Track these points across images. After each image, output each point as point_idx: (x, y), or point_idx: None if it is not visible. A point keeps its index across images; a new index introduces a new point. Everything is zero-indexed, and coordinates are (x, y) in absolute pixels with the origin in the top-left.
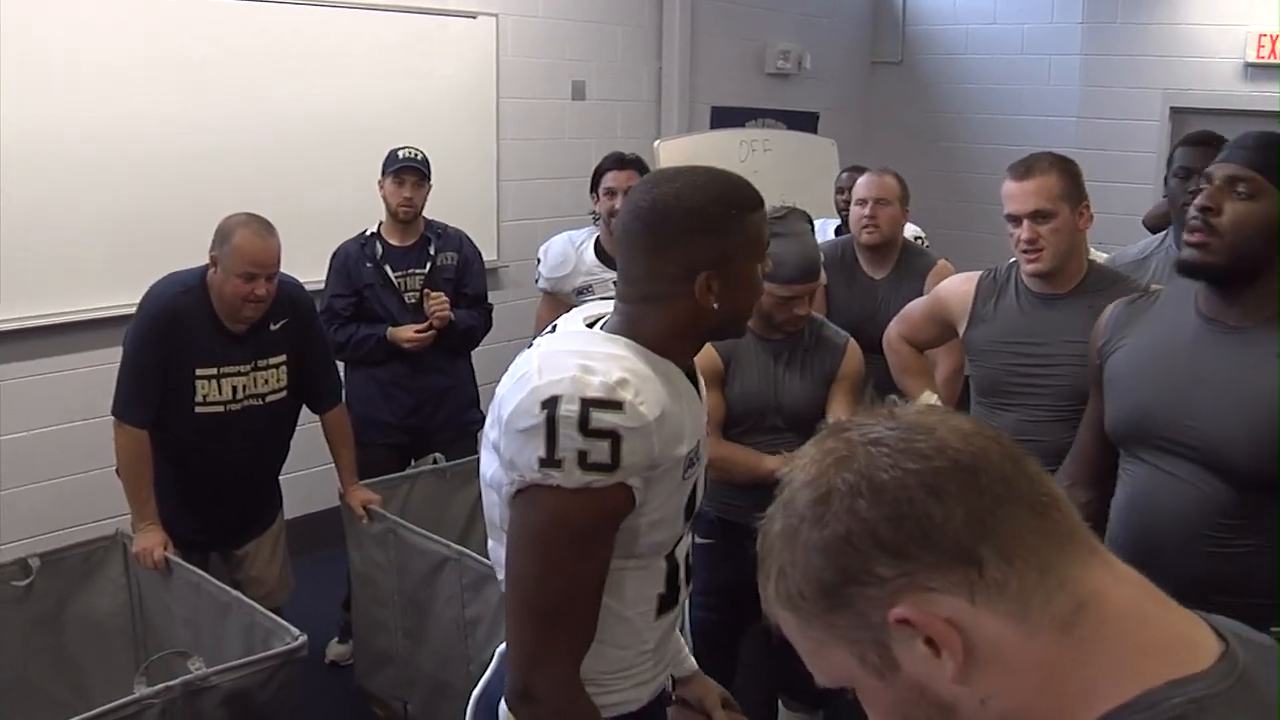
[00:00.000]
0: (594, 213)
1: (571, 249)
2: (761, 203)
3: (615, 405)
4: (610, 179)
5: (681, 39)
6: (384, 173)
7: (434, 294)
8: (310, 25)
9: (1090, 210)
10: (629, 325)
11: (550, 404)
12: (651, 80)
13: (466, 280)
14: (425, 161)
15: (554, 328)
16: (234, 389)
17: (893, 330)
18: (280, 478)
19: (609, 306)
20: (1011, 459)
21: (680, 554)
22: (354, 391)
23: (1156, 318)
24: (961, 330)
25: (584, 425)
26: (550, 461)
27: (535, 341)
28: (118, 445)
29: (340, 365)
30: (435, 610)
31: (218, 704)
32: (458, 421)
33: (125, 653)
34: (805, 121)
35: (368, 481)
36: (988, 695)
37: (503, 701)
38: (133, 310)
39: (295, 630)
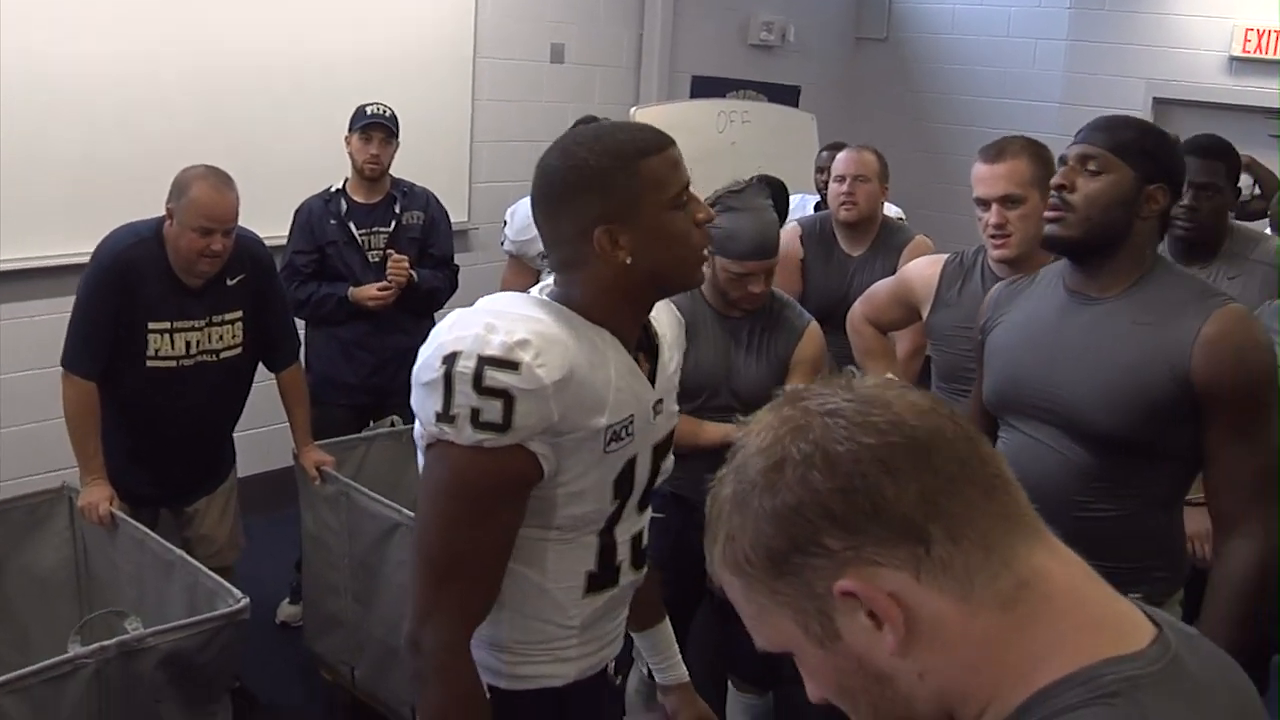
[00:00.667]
0: None
1: None
2: (660, 146)
3: (511, 365)
4: None
5: (664, 6)
6: (351, 128)
7: (396, 257)
8: None
9: None
10: (562, 293)
11: (450, 359)
12: (632, 46)
13: (432, 240)
14: (393, 119)
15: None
16: (187, 344)
17: (856, 311)
18: (235, 435)
19: None
20: (965, 438)
21: (623, 534)
22: (315, 350)
23: (1031, 295)
24: (925, 314)
25: (478, 382)
26: (445, 416)
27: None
28: (65, 397)
29: (300, 324)
30: (385, 575)
31: (155, 665)
32: None
33: (69, 608)
34: (787, 95)
35: (324, 442)
36: (926, 670)
37: None
38: (86, 260)
39: (238, 592)
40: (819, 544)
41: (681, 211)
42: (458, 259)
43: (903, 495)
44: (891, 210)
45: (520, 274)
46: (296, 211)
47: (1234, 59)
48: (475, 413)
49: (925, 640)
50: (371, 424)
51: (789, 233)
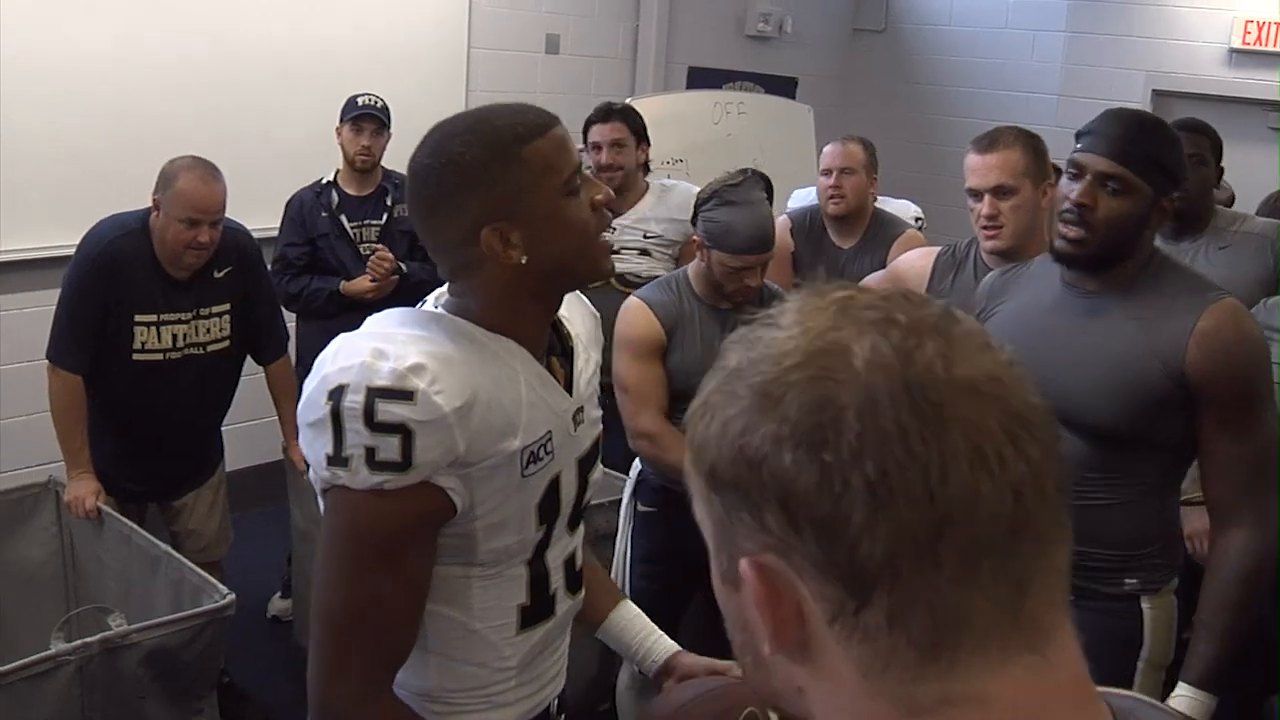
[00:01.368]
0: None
1: None
2: (543, 127)
3: (405, 395)
4: (595, 132)
5: None
6: (342, 119)
7: (380, 253)
8: None
9: (1054, 189)
10: (457, 303)
11: (336, 394)
12: (628, 37)
13: None
14: (385, 109)
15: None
16: (174, 337)
17: None
18: (224, 429)
19: None
20: (1037, 492)
21: (554, 559)
22: (305, 344)
23: (1026, 286)
24: None
25: (369, 418)
26: (337, 459)
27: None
28: (51, 391)
29: (290, 316)
30: None
31: (139, 662)
32: None
33: (55, 603)
34: (784, 86)
35: None
36: (807, 690)
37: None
38: (72, 252)
39: (224, 589)
40: (758, 513)
41: (576, 197)
42: None
43: (871, 537)
44: (910, 211)
45: None
46: (287, 204)
47: (1234, 51)
48: (370, 452)
49: (813, 673)
50: None
51: (780, 226)
